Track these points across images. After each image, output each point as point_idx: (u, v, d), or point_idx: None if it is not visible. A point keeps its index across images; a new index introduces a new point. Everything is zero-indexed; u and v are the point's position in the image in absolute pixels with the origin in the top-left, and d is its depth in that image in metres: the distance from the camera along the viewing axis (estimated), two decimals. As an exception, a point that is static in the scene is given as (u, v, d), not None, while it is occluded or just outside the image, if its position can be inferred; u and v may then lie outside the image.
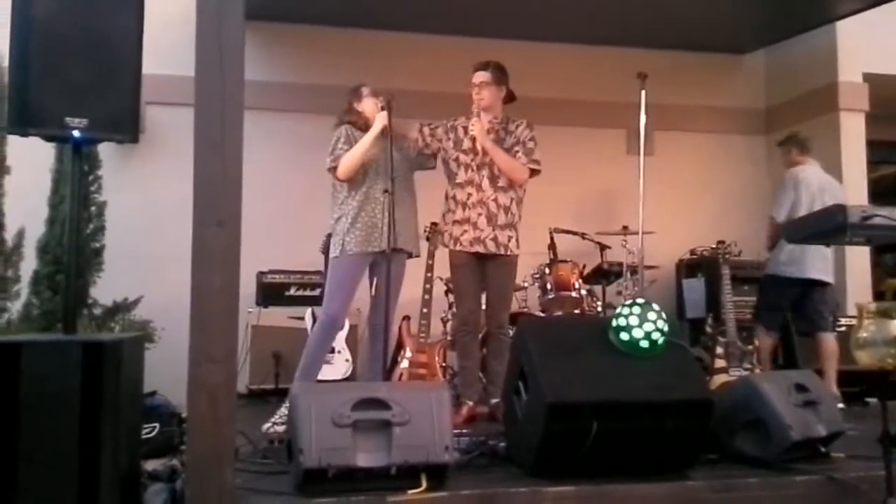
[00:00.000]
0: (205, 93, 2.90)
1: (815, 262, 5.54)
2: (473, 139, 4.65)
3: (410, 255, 4.73)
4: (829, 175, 5.84)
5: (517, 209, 4.79)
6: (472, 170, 4.73)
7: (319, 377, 5.44)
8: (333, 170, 4.52)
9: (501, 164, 4.68)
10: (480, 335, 5.02)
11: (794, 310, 5.73)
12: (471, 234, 4.70)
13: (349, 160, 4.46)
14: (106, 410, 2.74)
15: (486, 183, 4.70)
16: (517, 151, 4.74)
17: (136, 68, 3.09)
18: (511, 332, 4.90)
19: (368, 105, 4.63)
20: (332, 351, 5.65)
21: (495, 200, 4.70)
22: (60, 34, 2.98)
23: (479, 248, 4.70)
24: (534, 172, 4.79)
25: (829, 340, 5.55)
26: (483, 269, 4.78)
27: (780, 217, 5.57)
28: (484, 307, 4.99)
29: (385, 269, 4.30)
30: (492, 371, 4.84)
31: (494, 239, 4.69)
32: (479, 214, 4.69)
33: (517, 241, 4.79)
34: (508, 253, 4.74)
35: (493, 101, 4.78)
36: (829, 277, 5.63)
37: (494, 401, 4.68)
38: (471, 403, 4.77)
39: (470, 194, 4.72)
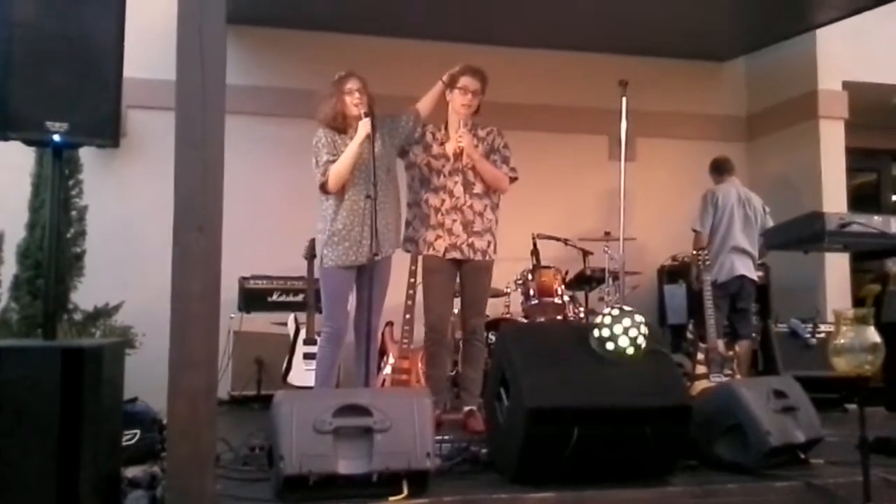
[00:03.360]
0: (186, 97, 2.89)
1: (736, 263, 6.05)
2: (460, 150, 4.55)
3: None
4: (749, 190, 6.37)
5: (493, 214, 4.73)
6: (445, 175, 4.66)
7: (302, 384, 5.48)
8: (324, 184, 4.39)
9: (487, 176, 4.64)
10: (459, 340, 4.98)
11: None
12: (446, 240, 4.62)
13: (338, 172, 4.35)
14: (86, 417, 2.73)
15: (459, 189, 4.64)
16: (495, 160, 4.71)
17: (117, 72, 3.08)
18: (485, 339, 4.87)
19: (348, 102, 4.45)
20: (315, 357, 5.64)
21: (471, 207, 4.64)
22: (41, 38, 2.97)
23: (457, 255, 4.63)
24: (512, 180, 4.77)
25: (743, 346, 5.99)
26: (458, 274, 4.71)
27: (705, 230, 6.09)
28: (457, 312, 4.92)
29: (368, 276, 4.29)
30: (465, 378, 4.78)
31: (472, 245, 4.62)
32: (454, 221, 4.62)
33: (495, 246, 4.73)
34: (486, 258, 4.68)
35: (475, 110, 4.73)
36: (752, 274, 6.15)
37: (467, 408, 4.66)
38: (437, 412, 4.72)
39: (443, 200, 4.65)
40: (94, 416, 2.77)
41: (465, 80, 4.66)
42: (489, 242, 4.69)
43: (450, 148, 4.64)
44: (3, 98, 2.93)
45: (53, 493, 2.67)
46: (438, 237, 4.64)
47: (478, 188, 4.67)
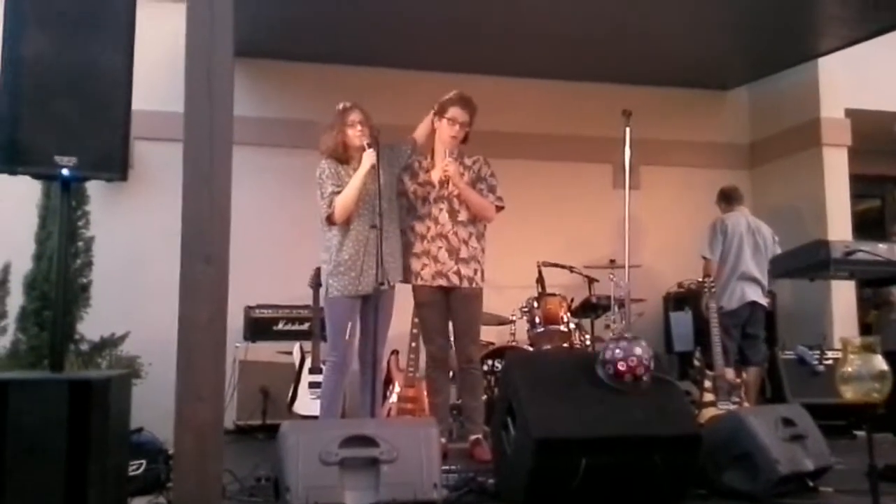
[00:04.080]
0: (194, 129, 2.93)
1: (747, 290, 6.05)
2: (446, 178, 4.57)
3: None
4: (758, 219, 6.36)
5: (478, 243, 4.70)
6: (430, 202, 4.67)
7: (308, 413, 5.46)
8: (330, 216, 4.40)
9: (473, 204, 4.64)
10: (451, 372, 4.95)
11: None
12: (432, 267, 4.61)
13: (344, 203, 4.37)
14: (93, 449, 2.72)
15: (444, 216, 4.64)
16: (481, 189, 4.70)
17: (125, 107, 3.09)
18: (481, 366, 4.87)
19: (351, 134, 4.50)
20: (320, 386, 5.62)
21: (456, 234, 4.63)
22: (50, 72, 2.98)
23: (443, 282, 4.60)
24: (499, 209, 4.75)
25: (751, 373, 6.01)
26: (448, 303, 4.68)
27: (715, 257, 6.09)
28: (452, 341, 4.87)
29: (373, 305, 4.29)
30: (467, 407, 4.76)
31: (458, 272, 4.60)
32: (440, 248, 4.61)
33: (482, 274, 4.70)
34: (474, 286, 4.65)
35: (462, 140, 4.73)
36: (762, 300, 6.14)
37: (473, 437, 4.64)
38: (443, 440, 4.70)
39: (429, 227, 4.64)
40: (101, 448, 2.76)
41: (454, 112, 4.66)
42: (476, 270, 4.66)
43: (436, 175, 4.65)
44: (12, 132, 2.94)
45: (60, 525, 2.67)
46: (425, 265, 4.63)
47: (463, 216, 4.66)
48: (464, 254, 4.63)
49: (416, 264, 4.65)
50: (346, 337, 4.48)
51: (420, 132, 4.82)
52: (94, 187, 5.67)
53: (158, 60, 5.10)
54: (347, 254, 4.42)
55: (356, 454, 2.94)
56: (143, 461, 3.87)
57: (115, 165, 3.07)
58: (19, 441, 2.67)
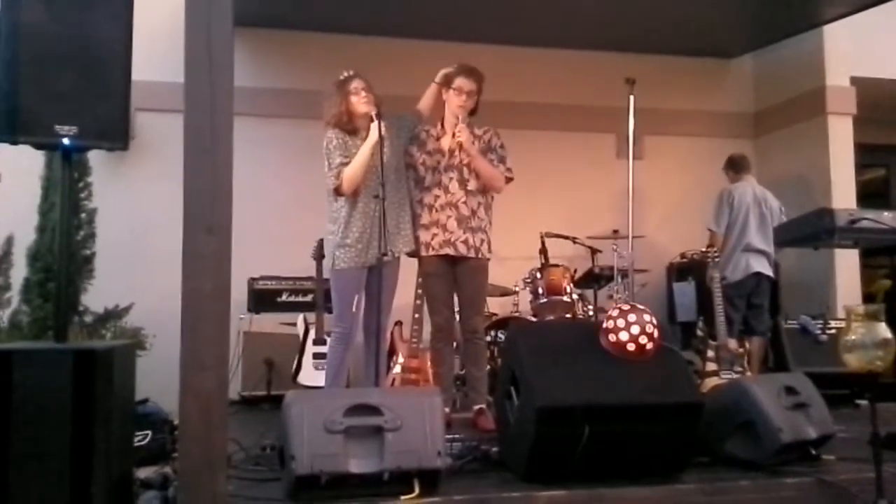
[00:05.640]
0: (194, 99, 2.90)
1: (751, 262, 6.09)
2: (459, 145, 4.56)
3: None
4: (765, 189, 6.36)
5: (486, 214, 4.70)
6: (439, 172, 4.65)
7: (312, 383, 5.49)
8: (338, 187, 4.39)
9: (484, 173, 4.62)
10: (455, 343, 4.95)
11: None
12: (441, 236, 4.60)
13: (352, 175, 4.35)
14: (98, 418, 2.75)
15: (454, 185, 4.63)
16: (492, 159, 4.69)
17: (125, 76, 3.09)
18: (485, 337, 4.87)
19: (355, 101, 4.48)
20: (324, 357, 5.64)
21: (465, 203, 4.62)
22: (49, 42, 2.98)
23: (450, 251, 4.60)
24: (508, 180, 4.74)
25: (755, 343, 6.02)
26: (454, 274, 4.69)
27: (721, 229, 6.12)
28: (457, 312, 4.88)
29: (377, 276, 4.29)
30: (471, 377, 4.77)
31: (465, 241, 4.60)
32: (449, 217, 4.61)
33: (489, 245, 4.70)
34: (480, 256, 4.65)
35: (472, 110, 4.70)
36: (768, 271, 6.16)
37: (477, 407, 4.66)
38: (446, 410, 4.72)
39: (437, 196, 4.63)
40: (106, 418, 2.79)
41: (459, 81, 4.65)
42: (482, 240, 4.66)
43: (446, 143, 4.64)
44: (13, 102, 2.94)
45: (66, 495, 2.69)
46: (434, 235, 4.62)
47: (473, 185, 4.65)
48: (473, 223, 4.63)
49: (425, 235, 4.65)
50: (353, 308, 4.49)
51: (424, 104, 4.81)
52: (95, 159, 5.66)
53: (159, 30, 5.05)
54: (356, 226, 4.42)
55: (361, 422, 2.94)
56: (149, 431, 3.91)
57: (116, 134, 3.08)
58: (24, 411, 2.69)
